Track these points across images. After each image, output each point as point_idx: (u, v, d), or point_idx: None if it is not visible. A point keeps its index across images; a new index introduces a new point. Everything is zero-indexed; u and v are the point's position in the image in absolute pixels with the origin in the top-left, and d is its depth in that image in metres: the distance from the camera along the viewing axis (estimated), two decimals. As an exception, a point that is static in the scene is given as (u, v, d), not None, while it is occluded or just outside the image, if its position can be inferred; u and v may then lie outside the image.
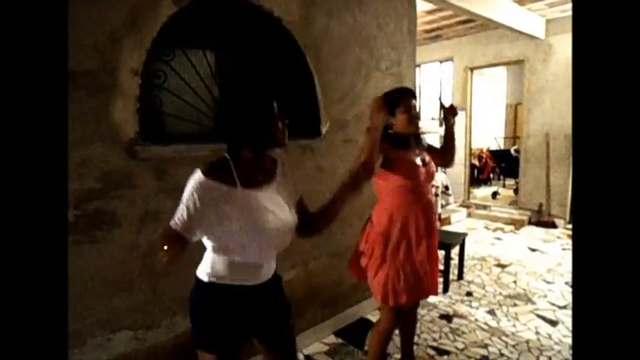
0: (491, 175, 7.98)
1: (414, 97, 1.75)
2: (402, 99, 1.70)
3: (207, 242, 1.22)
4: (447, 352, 2.35)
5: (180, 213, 1.11)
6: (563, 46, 4.84)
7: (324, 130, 2.39)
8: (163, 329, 1.79)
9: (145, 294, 1.72)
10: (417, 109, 1.74)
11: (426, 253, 1.78)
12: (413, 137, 1.78)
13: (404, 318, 1.94)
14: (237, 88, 2.08)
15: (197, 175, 1.13)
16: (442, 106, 1.96)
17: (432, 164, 1.84)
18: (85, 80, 1.50)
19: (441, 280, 2.97)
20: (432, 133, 6.15)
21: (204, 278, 1.24)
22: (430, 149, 1.92)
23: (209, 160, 1.20)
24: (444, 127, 1.96)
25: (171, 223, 1.12)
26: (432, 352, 2.35)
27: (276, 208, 1.22)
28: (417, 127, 1.75)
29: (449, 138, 1.94)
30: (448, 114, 1.93)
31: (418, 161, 1.76)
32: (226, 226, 1.15)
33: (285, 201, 1.27)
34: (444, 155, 1.96)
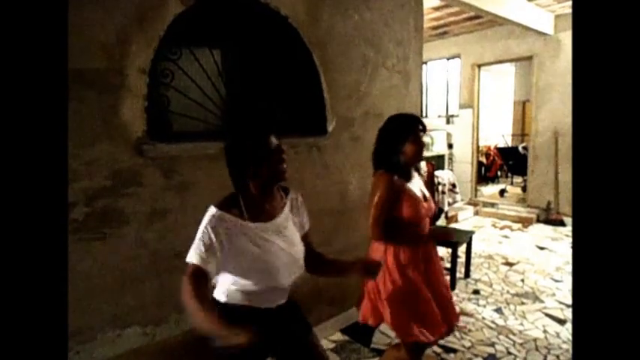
0: (499, 173, 7.93)
1: (424, 128, 1.74)
2: (413, 129, 1.70)
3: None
4: (454, 351, 2.35)
5: (196, 247, 1.14)
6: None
7: (330, 128, 2.39)
8: (172, 325, 1.81)
9: (154, 290, 1.74)
10: (424, 141, 1.75)
11: (436, 283, 1.78)
12: (414, 167, 1.80)
13: None
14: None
15: (210, 209, 1.18)
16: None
17: (432, 201, 1.83)
18: (93, 80, 1.52)
19: (448, 278, 2.96)
20: (439, 130, 6.14)
21: (222, 299, 1.26)
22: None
23: (222, 195, 1.24)
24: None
25: (188, 258, 1.14)
26: (439, 350, 2.34)
27: (284, 240, 1.25)
28: (421, 158, 1.78)
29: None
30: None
31: (419, 194, 1.76)
32: (237, 258, 1.17)
33: (294, 233, 1.30)
34: None
